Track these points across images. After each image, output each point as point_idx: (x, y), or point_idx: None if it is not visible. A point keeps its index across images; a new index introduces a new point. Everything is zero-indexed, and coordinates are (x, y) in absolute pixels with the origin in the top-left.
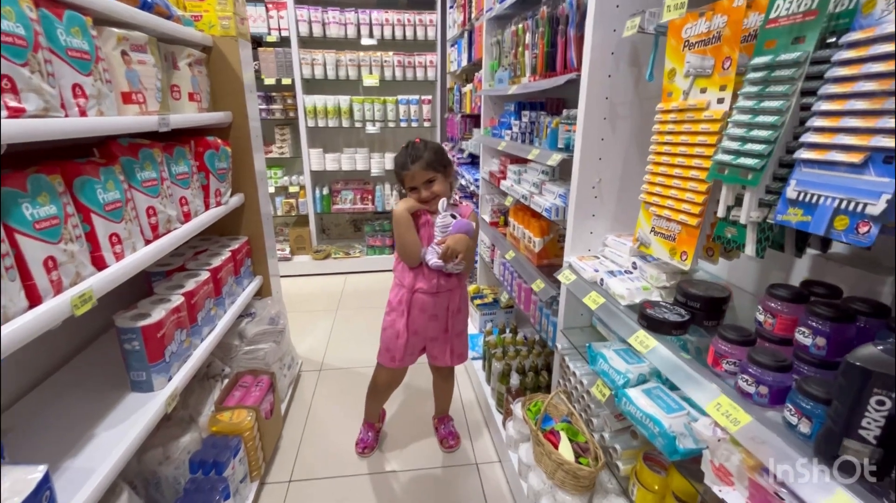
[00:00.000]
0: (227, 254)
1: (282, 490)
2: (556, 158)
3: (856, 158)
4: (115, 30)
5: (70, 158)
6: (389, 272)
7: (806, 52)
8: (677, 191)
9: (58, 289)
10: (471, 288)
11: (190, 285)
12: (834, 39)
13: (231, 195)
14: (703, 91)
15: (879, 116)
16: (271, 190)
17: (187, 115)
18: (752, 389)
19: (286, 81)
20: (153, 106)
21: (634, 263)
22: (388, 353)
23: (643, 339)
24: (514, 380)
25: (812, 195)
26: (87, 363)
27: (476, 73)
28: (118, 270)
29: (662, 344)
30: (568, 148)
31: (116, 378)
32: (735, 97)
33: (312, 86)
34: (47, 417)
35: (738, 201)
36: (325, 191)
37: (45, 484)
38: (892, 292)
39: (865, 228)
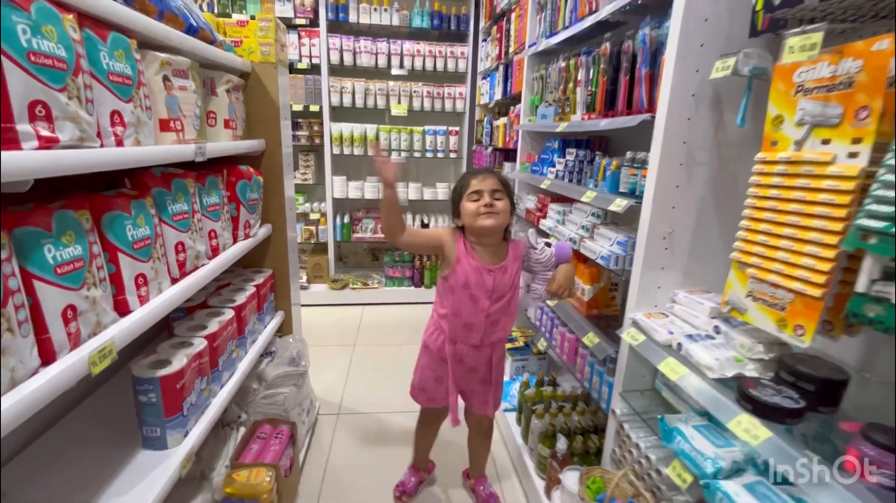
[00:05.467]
0: (251, 289)
1: None
2: (620, 204)
3: None
4: (160, 54)
5: (97, 189)
6: (408, 305)
7: None
8: (790, 254)
9: (75, 342)
10: None
11: (213, 326)
12: None
13: (260, 226)
14: (826, 143)
15: None
16: None
17: (222, 143)
18: None
19: (314, 108)
20: (190, 134)
21: (717, 327)
22: (425, 394)
23: (751, 428)
24: (562, 444)
25: None
26: (93, 412)
27: (512, 108)
28: (143, 317)
29: (776, 435)
30: (633, 193)
31: (125, 430)
32: (878, 151)
33: (340, 113)
34: (49, 476)
35: (887, 275)
36: (346, 219)
37: None
38: None
39: None
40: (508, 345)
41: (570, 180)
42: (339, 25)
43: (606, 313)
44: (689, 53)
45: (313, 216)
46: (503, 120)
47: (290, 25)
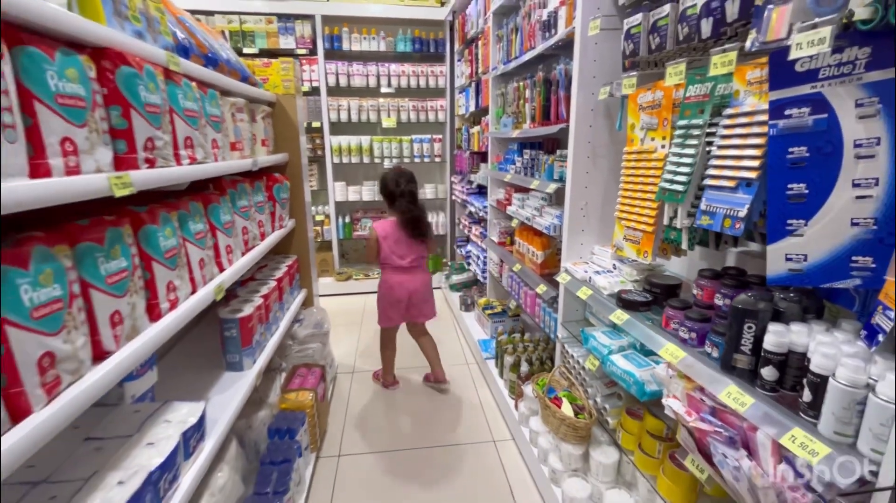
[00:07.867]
0: (284, 268)
1: (333, 462)
2: (552, 187)
3: (731, 184)
4: (230, 98)
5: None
6: None
7: (705, 120)
8: (639, 208)
9: (204, 282)
10: (481, 300)
11: (264, 290)
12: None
13: (288, 219)
14: (653, 139)
15: (742, 159)
16: None
17: (263, 157)
18: (686, 336)
19: (316, 124)
20: (247, 152)
21: (614, 265)
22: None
23: (619, 315)
24: (524, 367)
25: (713, 207)
26: (185, 351)
27: (483, 118)
28: (232, 272)
29: (633, 317)
30: (561, 179)
31: (211, 361)
32: (670, 145)
33: (338, 128)
34: (172, 385)
35: (676, 213)
36: (347, 219)
37: (203, 416)
38: None
39: (738, 225)
40: (489, 312)
41: (526, 174)
42: (334, 53)
43: (554, 271)
44: (586, 82)
45: (318, 218)
46: (477, 128)
47: (292, 55)
